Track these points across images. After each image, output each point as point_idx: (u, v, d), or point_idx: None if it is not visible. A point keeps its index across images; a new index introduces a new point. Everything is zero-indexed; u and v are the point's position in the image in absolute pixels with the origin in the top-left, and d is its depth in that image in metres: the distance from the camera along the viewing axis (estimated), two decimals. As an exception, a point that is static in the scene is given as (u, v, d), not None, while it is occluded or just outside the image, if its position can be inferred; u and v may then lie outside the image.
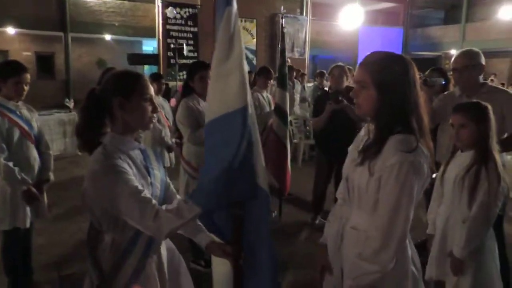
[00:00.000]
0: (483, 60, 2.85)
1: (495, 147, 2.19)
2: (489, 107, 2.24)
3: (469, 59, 2.83)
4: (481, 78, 2.89)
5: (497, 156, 2.17)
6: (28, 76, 2.81)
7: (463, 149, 2.31)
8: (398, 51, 21.40)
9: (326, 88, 4.78)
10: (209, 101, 1.55)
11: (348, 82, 4.33)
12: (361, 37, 19.81)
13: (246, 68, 1.53)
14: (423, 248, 2.53)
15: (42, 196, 2.94)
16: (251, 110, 1.54)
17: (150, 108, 1.59)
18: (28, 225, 2.86)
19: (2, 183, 2.75)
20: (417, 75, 1.54)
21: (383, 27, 21.64)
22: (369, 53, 1.58)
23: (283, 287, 3.26)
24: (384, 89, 1.47)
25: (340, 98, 3.89)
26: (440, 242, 2.35)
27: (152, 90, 1.62)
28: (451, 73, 3.05)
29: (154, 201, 1.46)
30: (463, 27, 19.35)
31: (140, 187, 1.47)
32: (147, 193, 1.48)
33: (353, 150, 1.66)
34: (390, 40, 20.89)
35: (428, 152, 1.48)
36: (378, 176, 1.46)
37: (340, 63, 4.37)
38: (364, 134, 1.67)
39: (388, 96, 1.47)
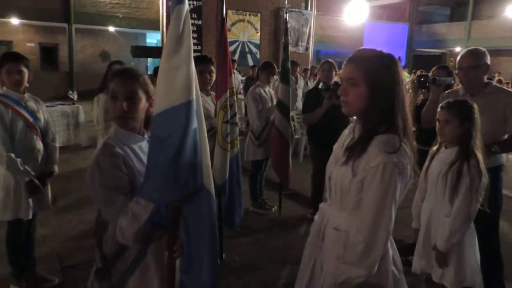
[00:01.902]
0: (488, 60, 2.85)
1: (478, 145, 2.26)
2: (475, 106, 2.30)
3: (475, 59, 2.82)
4: (485, 77, 2.89)
5: (479, 154, 2.24)
6: (22, 65, 2.79)
7: (447, 145, 2.39)
8: (402, 47, 21.43)
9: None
10: (156, 95, 1.55)
11: (337, 77, 4.40)
12: (366, 32, 19.74)
13: (193, 65, 1.52)
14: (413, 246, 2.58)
15: (45, 188, 2.96)
16: (197, 105, 1.53)
17: (117, 106, 1.62)
18: (30, 216, 2.88)
19: (5, 174, 2.77)
20: (402, 73, 1.52)
21: (388, 22, 21.54)
22: (357, 49, 1.56)
23: (282, 282, 3.29)
24: (375, 87, 1.45)
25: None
26: (425, 235, 2.43)
27: (125, 86, 1.63)
28: (456, 71, 3.04)
29: (121, 209, 1.50)
30: (468, 24, 19.22)
31: (118, 191, 1.52)
32: (119, 200, 1.51)
33: (337, 149, 1.64)
34: (395, 36, 20.80)
35: (411, 152, 1.46)
36: (362, 177, 1.44)
37: (329, 59, 4.45)
38: (348, 132, 1.65)
39: (378, 94, 1.45)
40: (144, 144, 1.71)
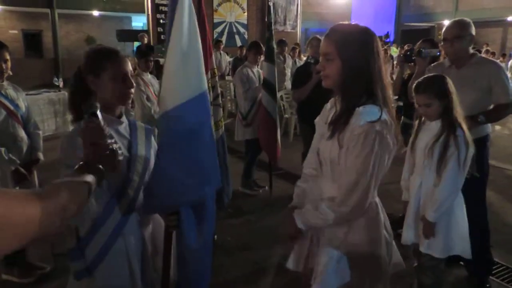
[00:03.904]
0: (473, 31, 2.84)
1: (460, 114, 2.27)
2: (448, 79, 2.31)
3: (459, 29, 2.81)
4: (470, 49, 2.88)
5: (463, 124, 2.26)
6: (6, 53, 2.76)
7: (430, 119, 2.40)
8: (391, 22, 21.21)
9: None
10: (165, 91, 1.53)
11: None
12: (354, 8, 19.57)
13: (201, 55, 1.54)
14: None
15: (31, 176, 2.94)
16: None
17: (122, 85, 1.61)
18: (18, 205, 2.85)
19: (-10, 163, 2.73)
20: (381, 46, 1.57)
21: (376, -3, 21.34)
22: (333, 25, 1.59)
23: (274, 260, 3.33)
24: (349, 60, 1.49)
25: None
26: (414, 207, 2.45)
27: (126, 66, 1.64)
28: (442, 43, 3.03)
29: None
30: (456, -4, 19.10)
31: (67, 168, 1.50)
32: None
33: (320, 123, 1.70)
34: (382, 10, 20.65)
35: (392, 121, 1.52)
36: (347, 147, 1.50)
37: (317, 35, 4.40)
38: (330, 107, 1.70)
39: (353, 67, 1.49)
40: (122, 127, 1.69)
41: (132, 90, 1.65)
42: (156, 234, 1.80)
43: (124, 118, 1.72)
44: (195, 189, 1.58)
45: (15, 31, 16.06)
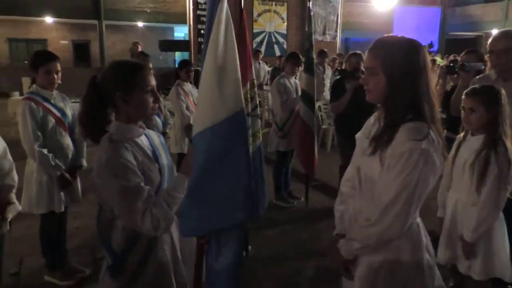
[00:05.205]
0: None
1: (506, 132, 2.16)
2: (503, 92, 2.19)
3: (508, 41, 2.68)
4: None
5: (508, 141, 2.14)
6: (58, 64, 2.89)
7: (473, 133, 2.30)
8: (435, 31, 20.63)
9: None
10: (201, 109, 1.52)
11: None
12: (396, 17, 19.18)
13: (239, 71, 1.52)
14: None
15: (75, 181, 3.07)
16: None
17: (151, 99, 1.61)
18: (62, 209, 2.98)
19: (38, 169, 2.88)
20: (429, 58, 1.48)
21: (420, 6, 20.80)
22: (377, 38, 1.53)
23: (307, 273, 3.28)
24: (393, 74, 1.42)
25: (357, 75, 3.87)
26: (450, 225, 2.35)
27: (153, 80, 1.62)
28: (488, 55, 2.91)
29: (147, 201, 1.51)
30: (506, 4, 18.29)
31: (141, 184, 1.52)
32: (145, 192, 1.51)
33: (362, 138, 1.62)
34: (426, 20, 20.11)
35: (440, 139, 1.43)
36: (388, 165, 1.42)
37: (357, 51, 4.34)
38: (374, 121, 1.62)
39: (397, 82, 1.42)
40: (144, 138, 1.70)
41: (157, 105, 1.65)
42: (181, 241, 1.82)
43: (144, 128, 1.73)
44: (229, 215, 1.57)
45: (66, 42, 16.94)
